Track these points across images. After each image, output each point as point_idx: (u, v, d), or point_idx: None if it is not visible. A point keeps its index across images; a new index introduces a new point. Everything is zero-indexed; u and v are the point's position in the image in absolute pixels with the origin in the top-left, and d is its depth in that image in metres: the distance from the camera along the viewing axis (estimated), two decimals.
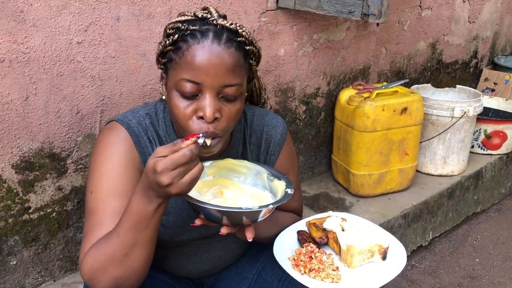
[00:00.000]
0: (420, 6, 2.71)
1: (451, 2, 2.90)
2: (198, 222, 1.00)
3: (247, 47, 1.04)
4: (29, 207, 1.55)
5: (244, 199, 1.10)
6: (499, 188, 2.90)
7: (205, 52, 0.98)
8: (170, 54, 1.03)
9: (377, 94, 2.22)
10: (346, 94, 2.30)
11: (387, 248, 1.19)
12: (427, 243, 2.46)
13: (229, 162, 1.14)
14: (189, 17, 1.03)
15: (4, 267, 1.55)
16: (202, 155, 1.04)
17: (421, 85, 2.69)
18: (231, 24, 1.01)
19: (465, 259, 2.42)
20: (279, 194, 1.09)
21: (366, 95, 2.26)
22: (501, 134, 2.72)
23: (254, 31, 1.96)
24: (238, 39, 1.02)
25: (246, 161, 1.16)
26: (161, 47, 1.05)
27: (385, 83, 2.41)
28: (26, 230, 1.56)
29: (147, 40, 1.64)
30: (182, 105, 1.01)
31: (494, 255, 2.46)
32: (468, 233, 2.64)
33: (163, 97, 1.13)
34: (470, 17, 3.10)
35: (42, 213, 1.58)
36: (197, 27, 1.00)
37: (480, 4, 3.12)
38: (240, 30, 1.02)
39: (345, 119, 2.27)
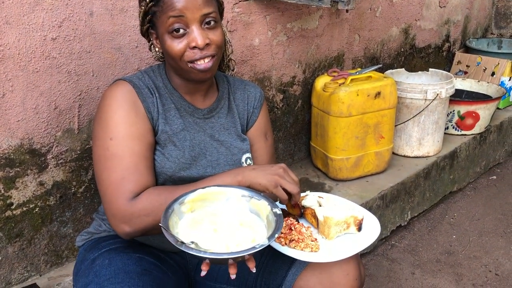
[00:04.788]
0: None
1: None
2: (204, 267, 1.04)
3: None
4: (12, 204, 1.57)
5: (238, 231, 1.13)
6: (474, 167, 2.99)
7: None
8: (152, 9, 1.21)
9: (352, 80, 2.27)
10: (321, 81, 2.35)
11: (362, 219, 1.25)
12: (406, 223, 2.53)
13: (200, 193, 1.16)
14: None
15: None
16: (200, 78, 1.24)
17: (395, 70, 2.76)
18: None
19: (442, 236, 2.50)
20: (264, 214, 1.15)
21: (341, 81, 2.31)
22: (473, 114, 2.81)
23: (228, 21, 2.00)
24: None
25: (214, 187, 1.18)
26: (142, 8, 1.23)
27: (359, 69, 2.47)
28: (10, 226, 1.58)
29: (121, 34, 1.66)
30: (175, 44, 1.19)
31: (470, 231, 2.55)
32: (445, 211, 2.72)
33: (158, 50, 1.30)
34: (441, 2, 3.17)
35: (25, 208, 1.60)
36: None
37: None
38: None
39: (321, 106, 2.32)
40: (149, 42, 1.34)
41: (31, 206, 1.61)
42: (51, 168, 1.62)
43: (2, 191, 1.54)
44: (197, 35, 1.18)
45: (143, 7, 1.23)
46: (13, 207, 1.57)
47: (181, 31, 1.19)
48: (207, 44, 1.20)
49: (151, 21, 1.25)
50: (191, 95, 1.34)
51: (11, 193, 1.56)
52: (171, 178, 1.27)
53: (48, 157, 1.61)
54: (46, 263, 1.70)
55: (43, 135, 1.58)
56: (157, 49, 1.30)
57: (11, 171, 1.54)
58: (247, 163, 1.38)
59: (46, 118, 1.57)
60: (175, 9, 1.17)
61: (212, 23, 1.21)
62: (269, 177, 1.16)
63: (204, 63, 1.21)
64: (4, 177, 1.53)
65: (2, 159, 1.51)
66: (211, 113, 1.37)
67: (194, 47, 1.19)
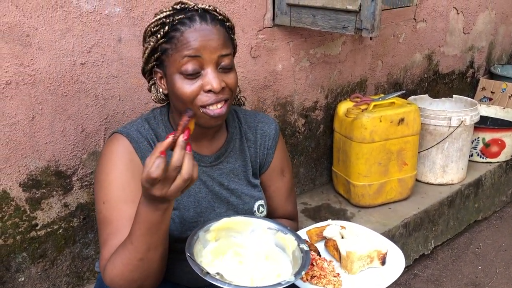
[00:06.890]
0: (415, 19, 2.77)
1: (445, 14, 2.96)
2: None
3: (227, 23, 1.18)
4: (36, 224, 1.59)
5: (263, 265, 1.13)
6: (500, 196, 2.92)
7: (198, 32, 1.10)
8: (163, 46, 1.13)
9: (374, 105, 2.26)
10: (344, 107, 2.35)
11: (386, 253, 1.22)
12: (429, 252, 2.47)
13: (225, 222, 1.17)
14: (169, 12, 1.14)
15: (13, 284, 1.58)
16: (210, 125, 1.14)
17: (418, 96, 2.74)
18: (209, 6, 1.15)
19: (467, 267, 2.44)
20: (290, 249, 1.14)
21: (363, 107, 2.30)
22: (499, 142, 2.76)
23: (252, 48, 2.02)
24: (219, 17, 1.16)
25: (240, 217, 1.19)
26: (151, 44, 1.14)
27: (382, 95, 2.46)
28: (34, 247, 1.60)
29: None
30: (187, 85, 1.10)
31: (496, 262, 2.47)
32: (470, 241, 2.65)
33: (162, 91, 1.20)
34: (465, 28, 3.16)
35: (49, 229, 1.62)
36: (182, 16, 1.11)
37: (474, 16, 3.19)
38: (218, 10, 1.17)
39: (343, 131, 2.31)
40: (149, 82, 1.25)
41: (55, 227, 1.63)
42: (75, 190, 1.65)
43: (28, 212, 1.56)
44: (213, 78, 1.09)
45: (151, 43, 1.13)
46: (37, 227, 1.59)
47: (195, 72, 1.10)
48: (222, 88, 1.12)
49: (159, 59, 1.15)
50: (196, 142, 1.23)
51: (36, 214, 1.58)
52: (179, 239, 1.18)
53: (73, 179, 1.63)
54: (67, 284, 1.71)
55: (69, 158, 1.60)
56: (161, 90, 1.20)
57: (37, 192, 1.57)
58: (260, 211, 1.30)
59: (73, 140, 1.60)
60: (192, 48, 1.08)
61: (228, 66, 1.13)
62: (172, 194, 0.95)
63: (217, 109, 1.12)
64: (30, 198, 1.56)
65: (29, 181, 1.54)
66: (219, 159, 1.27)
67: (209, 91, 1.10)
